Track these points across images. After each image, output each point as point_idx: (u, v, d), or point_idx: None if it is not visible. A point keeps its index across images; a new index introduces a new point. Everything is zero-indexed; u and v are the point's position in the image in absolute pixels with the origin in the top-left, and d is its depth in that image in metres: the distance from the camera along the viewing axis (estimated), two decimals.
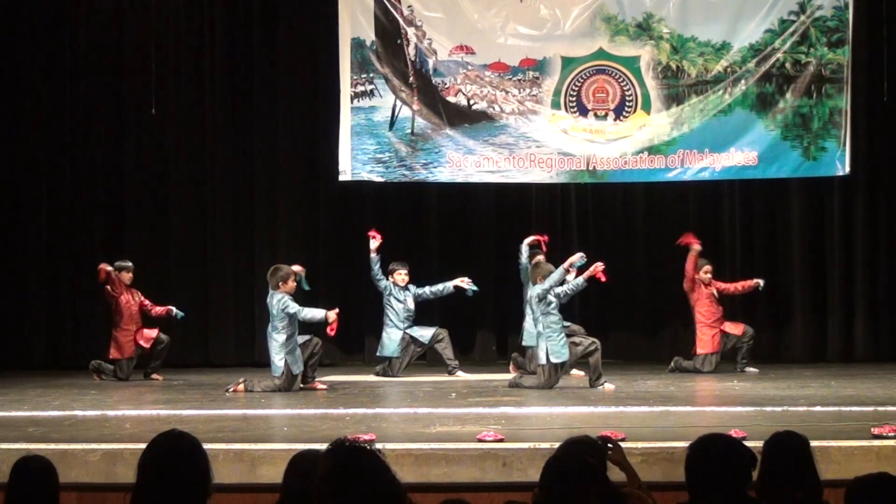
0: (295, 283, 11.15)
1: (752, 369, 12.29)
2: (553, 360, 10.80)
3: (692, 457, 4.19)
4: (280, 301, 10.91)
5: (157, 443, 4.01)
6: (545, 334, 10.84)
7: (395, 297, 12.49)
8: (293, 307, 10.88)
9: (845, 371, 12.11)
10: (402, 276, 12.53)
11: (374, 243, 12.40)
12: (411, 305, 12.55)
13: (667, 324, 13.76)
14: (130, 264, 12.37)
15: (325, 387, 11.22)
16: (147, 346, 12.26)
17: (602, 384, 10.85)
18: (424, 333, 12.53)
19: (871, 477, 4.16)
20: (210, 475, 3.99)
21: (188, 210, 13.84)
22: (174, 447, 3.98)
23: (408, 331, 12.49)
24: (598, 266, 10.90)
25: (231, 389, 10.91)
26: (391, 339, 12.46)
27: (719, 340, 12.38)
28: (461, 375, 12.25)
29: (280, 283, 11.01)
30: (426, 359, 13.08)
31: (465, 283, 12.49)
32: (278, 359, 10.96)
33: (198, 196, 13.85)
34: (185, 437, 4.04)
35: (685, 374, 12.27)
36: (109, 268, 12.13)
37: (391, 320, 12.49)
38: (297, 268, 11.35)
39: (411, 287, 12.59)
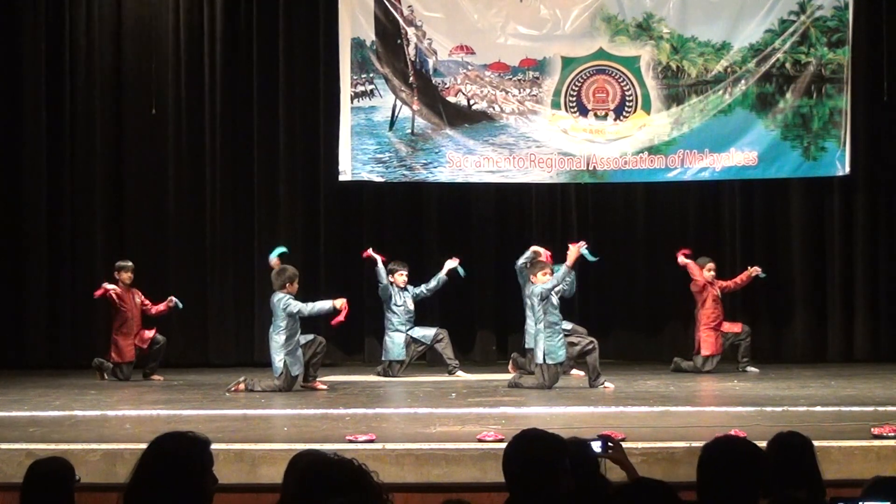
0: (297, 286, 11.14)
1: (752, 369, 12.29)
2: (549, 360, 10.81)
3: (705, 458, 4.15)
4: (282, 301, 10.91)
5: (157, 444, 3.98)
6: (544, 334, 10.84)
7: (395, 301, 12.49)
8: (295, 306, 10.88)
9: (845, 371, 12.11)
10: (402, 276, 12.53)
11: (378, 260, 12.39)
12: (411, 306, 12.55)
13: (667, 324, 13.75)
14: (130, 264, 12.36)
15: (325, 387, 11.22)
16: (144, 346, 12.26)
17: (602, 384, 10.86)
18: (426, 333, 12.53)
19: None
20: (208, 480, 3.95)
21: (188, 210, 13.84)
22: (172, 449, 3.94)
23: (409, 332, 12.49)
24: (580, 245, 10.94)
25: (232, 389, 10.91)
26: (395, 343, 12.45)
27: (721, 342, 12.39)
28: (461, 375, 12.24)
29: (287, 284, 11.02)
30: (426, 359, 13.08)
31: (454, 262, 12.46)
32: (277, 359, 10.96)
33: (198, 196, 13.85)
34: (186, 439, 4.00)
35: (685, 374, 12.27)
36: (109, 286, 12.12)
37: (393, 324, 12.48)
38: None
39: (409, 288, 12.60)
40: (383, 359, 12.55)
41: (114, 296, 12.15)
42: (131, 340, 12.21)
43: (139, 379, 12.17)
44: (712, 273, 12.44)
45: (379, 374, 12.40)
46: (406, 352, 12.47)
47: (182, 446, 3.95)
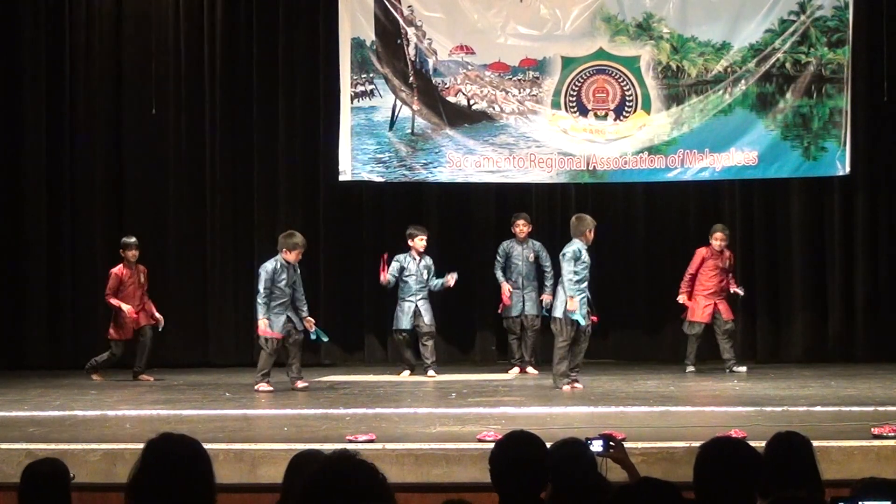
0: (295, 256, 11.19)
1: (739, 368, 12.27)
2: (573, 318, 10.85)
3: (701, 459, 4.16)
4: (261, 269, 11.23)
5: (152, 450, 3.93)
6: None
7: (409, 269, 12.42)
8: (260, 283, 11.16)
9: (845, 371, 12.10)
10: (422, 241, 12.48)
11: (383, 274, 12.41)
12: (425, 276, 12.49)
13: (667, 323, 13.73)
14: (134, 240, 12.37)
15: (305, 384, 11.14)
16: (138, 324, 12.20)
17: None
18: (427, 320, 12.44)
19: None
20: (212, 481, 3.93)
21: (188, 210, 13.85)
22: (171, 454, 3.90)
23: (419, 302, 12.43)
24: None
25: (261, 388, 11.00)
26: (403, 312, 12.43)
27: (711, 313, 12.37)
28: (405, 376, 12.27)
29: (284, 249, 11.22)
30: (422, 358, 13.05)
31: (452, 277, 12.48)
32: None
33: (198, 196, 13.85)
34: (185, 438, 3.97)
35: (685, 370, 12.28)
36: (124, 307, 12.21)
37: (403, 291, 12.46)
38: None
39: (427, 258, 12.54)
40: (392, 327, 12.55)
41: (116, 280, 12.18)
42: (133, 318, 12.18)
43: (129, 379, 12.15)
44: (720, 243, 12.41)
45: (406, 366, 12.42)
46: (412, 322, 12.41)
47: (183, 446, 3.93)
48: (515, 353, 12.69)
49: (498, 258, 12.71)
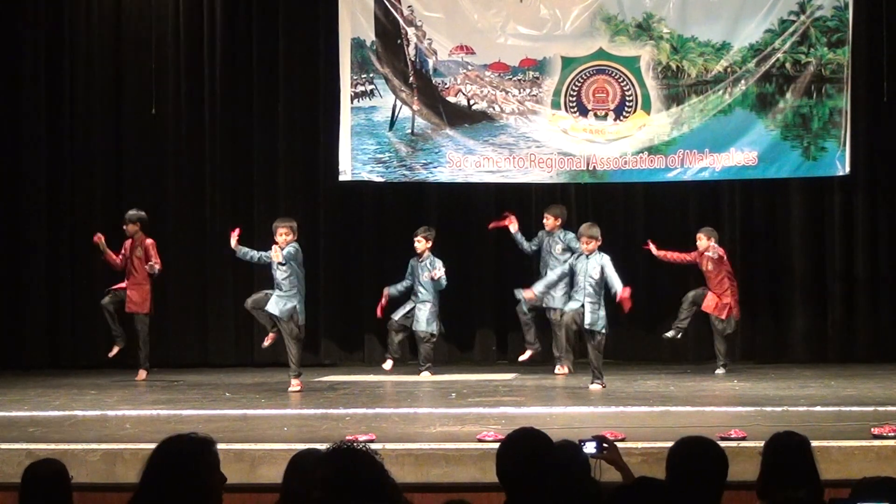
0: (280, 238, 11.30)
1: (719, 371, 12.23)
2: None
3: (670, 456, 4.27)
4: None
5: (162, 447, 3.96)
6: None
7: (413, 275, 12.52)
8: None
9: (845, 371, 12.11)
10: (419, 243, 12.50)
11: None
12: (423, 279, 12.46)
13: (666, 324, 13.72)
14: (131, 213, 12.34)
15: (293, 389, 11.04)
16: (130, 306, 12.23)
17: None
18: (420, 324, 12.45)
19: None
20: (215, 479, 3.94)
21: (187, 210, 13.85)
22: (178, 451, 3.93)
23: (418, 304, 12.43)
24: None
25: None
26: (402, 306, 12.54)
27: (714, 307, 12.36)
28: (386, 367, 12.36)
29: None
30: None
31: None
32: None
33: (197, 196, 13.85)
34: (190, 440, 3.99)
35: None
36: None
37: (411, 291, 12.59)
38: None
39: (429, 262, 12.51)
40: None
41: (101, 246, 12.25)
42: (121, 283, 12.25)
43: (128, 379, 12.16)
44: (703, 243, 12.40)
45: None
46: (406, 320, 12.44)
47: (187, 448, 3.95)
48: (532, 338, 12.56)
49: (534, 241, 12.69)
